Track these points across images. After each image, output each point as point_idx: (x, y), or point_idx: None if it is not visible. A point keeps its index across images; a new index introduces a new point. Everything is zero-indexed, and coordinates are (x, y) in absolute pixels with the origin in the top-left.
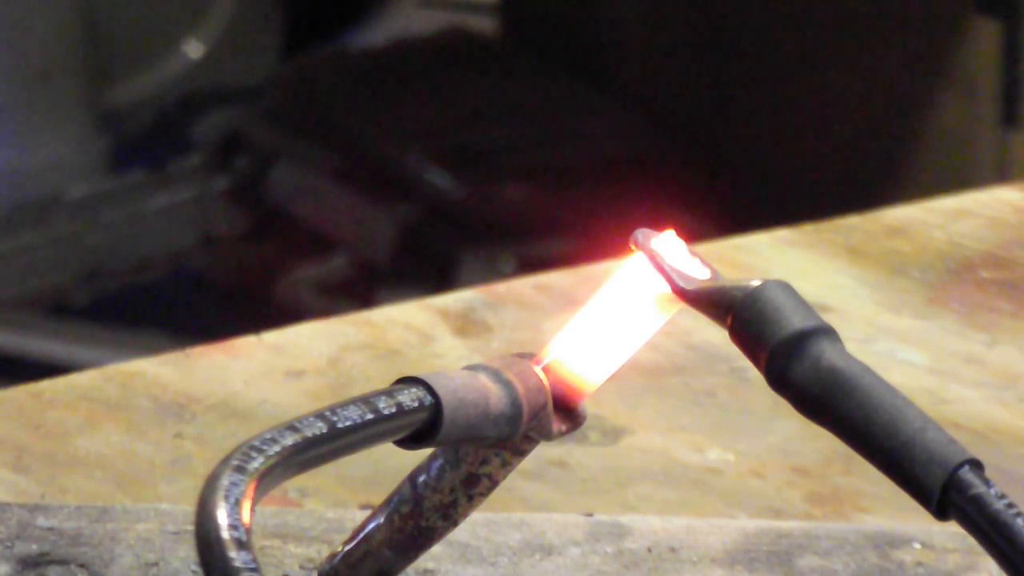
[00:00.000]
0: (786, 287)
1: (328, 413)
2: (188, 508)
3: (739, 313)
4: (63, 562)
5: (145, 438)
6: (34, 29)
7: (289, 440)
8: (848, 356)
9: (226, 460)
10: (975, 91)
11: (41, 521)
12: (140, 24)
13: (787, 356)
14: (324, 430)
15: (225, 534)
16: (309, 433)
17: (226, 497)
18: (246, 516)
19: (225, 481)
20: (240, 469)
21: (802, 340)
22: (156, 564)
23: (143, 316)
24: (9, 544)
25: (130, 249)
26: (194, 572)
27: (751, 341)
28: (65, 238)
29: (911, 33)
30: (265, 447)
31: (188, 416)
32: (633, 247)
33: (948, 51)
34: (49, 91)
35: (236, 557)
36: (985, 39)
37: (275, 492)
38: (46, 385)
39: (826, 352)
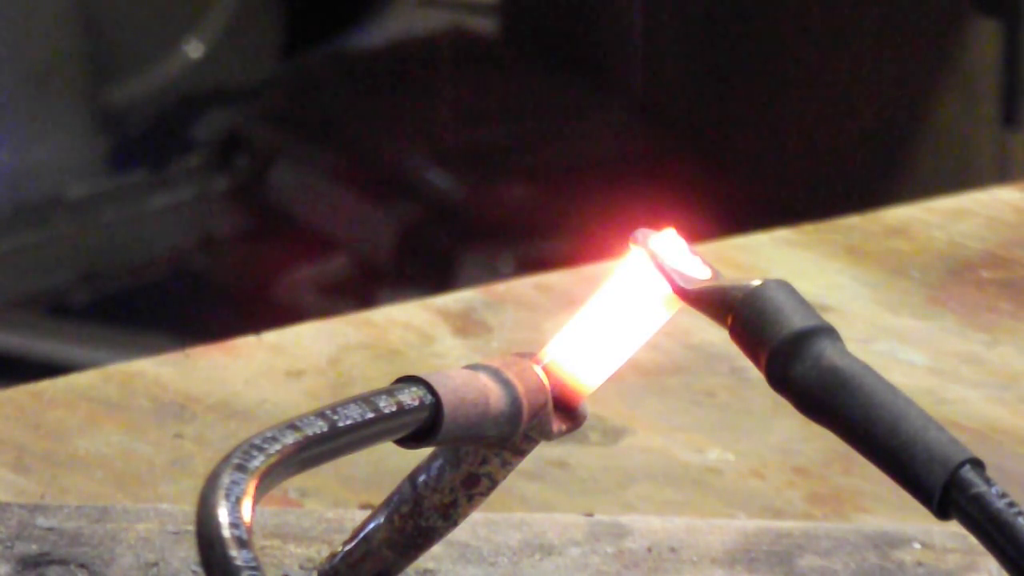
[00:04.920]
0: (786, 287)
1: (329, 412)
2: (188, 508)
3: (739, 313)
4: (63, 562)
5: (145, 438)
6: (34, 29)
7: (290, 439)
8: (849, 355)
9: (227, 459)
10: (975, 91)
11: (41, 521)
12: (140, 24)
13: (788, 356)
14: (325, 429)
15: (226, 532)
16: (310, 432)
17: (227, 496)
18: (247, 515)
19: (226, 480)
20: (241, 468)
21: (803, 340)
22: (156, 564)
23: (143, 316)
24: (9, 544)
25: (130, 249)
26: (194, 572)
27: (751, 341)
28: (65, 238)
29: (911, 33)
30: (266, 446)
31: (188, 416)
32: (633, 246)
33: (948, 51)
34: (49, 91)
35: (237, 556)
36: (985, 39)
37: (275, 492)
38: (46, 385)
39: (827, 351)
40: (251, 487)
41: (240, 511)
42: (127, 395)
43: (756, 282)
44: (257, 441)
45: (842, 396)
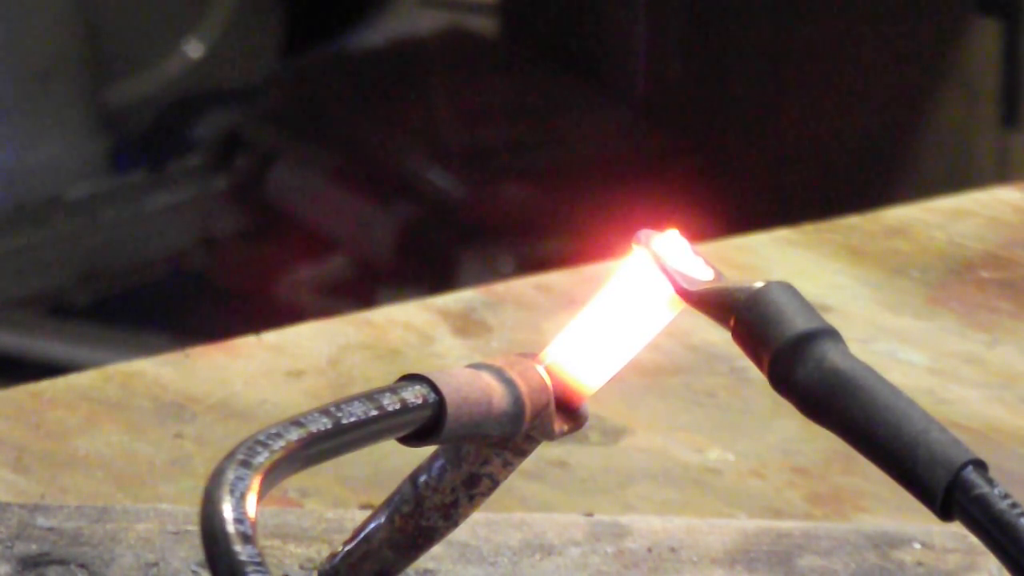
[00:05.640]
0: (789, 288)
1: (333, 409)
2: (188, 508)
3: (742, 315)
4: (63, 562)
5: (145, 438)
6: (34, 29)
7: (294, 435)
8: (851, 357)
9: (231, 455)
10: (975, 91)
11: (41, 521)
12: (140, 24)
13: (790, 358)
14: (329, 426)
15: (230, 528)
16: (314, 428)
17: (231, 491)
18: (251, 510)
19: (230, 475)
20: (245, 464)
21: (805, 342)
22: (156, 564)
23: (143, 316)
24: (9, 544)
25: (130, 249)
26: (194, 572)
27: (754, 343)
28: (65, 238)
29: (911, 33)
30: (270, 442)
31: (188, 416)
32: (636, 247)
33: (948, 51)
34: (49, 91)
35: (241, 551)
36: (985, 39)
37: (275, 492)
38: (46, 385)
39: (829, 353)
40: (255, 483)
41: (244, 507)
42: (127, 395)
43: (759, 284)
44: (261, 437)
45: (844, 398)
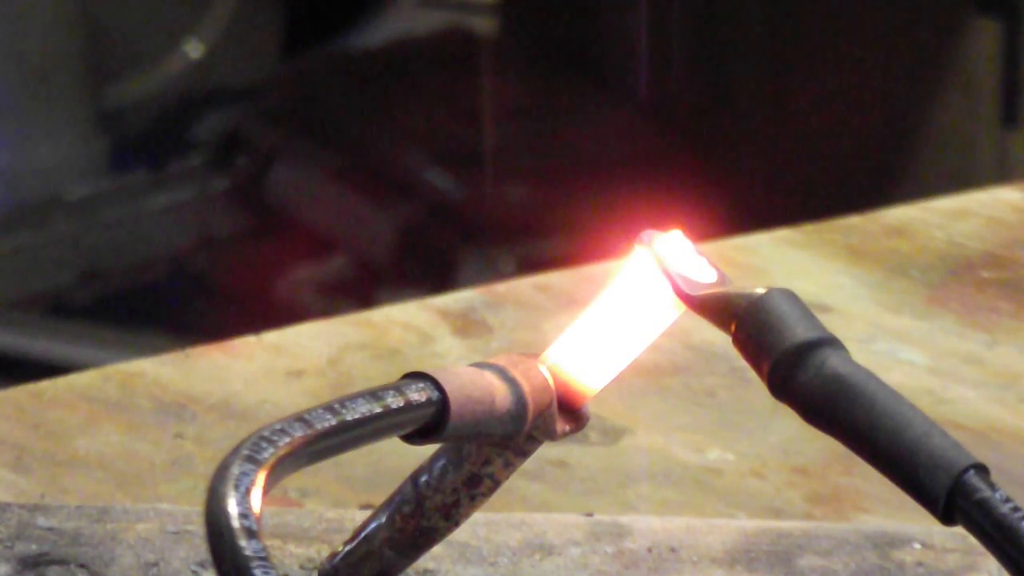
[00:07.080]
0: (791, 296)
1: (337, 406)
2: (188, 508)
3: (743, 322)
4: (63, 562)
5: (145, 438)
6: (34, 29)
7: (299, 432)
8: (852, 363)
9: (236, 450)
10: (975, 91)
11: (41, 521)
12: (140, 24)
13: (790, 367)
14: (333, 422)
15: (235, 523)
16: (318, 425)
17: (236, 487)
18: (256, 506)
19: (235, 471)
20: (250, 459)
21: (805, 351)
22: (156, 564)
23: (143, 316)
24: (9, 544)
25: (130, 249)
26: (194, 572)
27: (755, 350)
28: (65, 238)
29: (911, 33)
30: (275, 438)
31: (188, 416)
32: (639, 248)
33: (948, 51)
34: (49, 91)
35: (246, 546)
36: (985, 39)
37: (275, 492)
38: (46, 385)
39: (829, 360)
40: (260, 478)
41: (249, 502)
42: (127, 395)
43: (760, 290)
44: (266, 433)
45: (845, 404)
